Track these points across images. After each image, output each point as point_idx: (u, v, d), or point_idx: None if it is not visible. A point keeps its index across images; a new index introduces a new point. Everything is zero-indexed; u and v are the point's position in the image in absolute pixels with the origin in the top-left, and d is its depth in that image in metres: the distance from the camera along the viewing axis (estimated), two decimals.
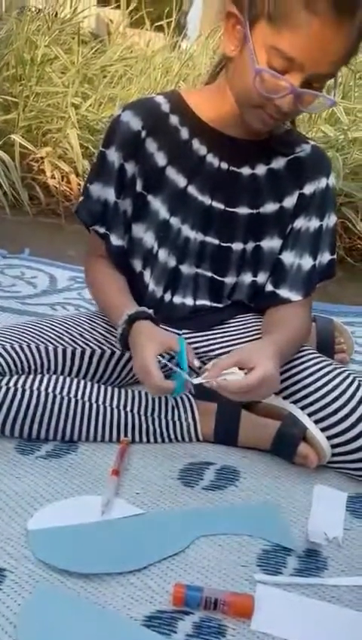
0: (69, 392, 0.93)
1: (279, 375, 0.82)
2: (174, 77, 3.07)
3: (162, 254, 1.00)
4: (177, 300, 1.04)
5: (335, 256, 1.03)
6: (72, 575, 0.70)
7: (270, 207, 1.00)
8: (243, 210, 0.99)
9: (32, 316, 1.43)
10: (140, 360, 0.84)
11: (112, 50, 3.30)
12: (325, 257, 1.02)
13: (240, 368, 0.82)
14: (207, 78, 1.01)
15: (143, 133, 0.94)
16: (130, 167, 0.96)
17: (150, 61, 3.31)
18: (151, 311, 0.93)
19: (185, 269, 1.02)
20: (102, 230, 1.00)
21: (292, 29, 0.77)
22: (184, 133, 0.96)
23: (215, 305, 1.05)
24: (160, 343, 0.86)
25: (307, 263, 1.01)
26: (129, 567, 0.72)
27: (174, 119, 0.96)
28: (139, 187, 0.97)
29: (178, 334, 1.06)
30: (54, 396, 0.92)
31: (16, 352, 0.95)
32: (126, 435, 0.95)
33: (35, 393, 0.91)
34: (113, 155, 0.96)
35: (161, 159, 0.96)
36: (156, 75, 3.16)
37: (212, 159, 0.97)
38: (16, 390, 0.91)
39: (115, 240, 1.00)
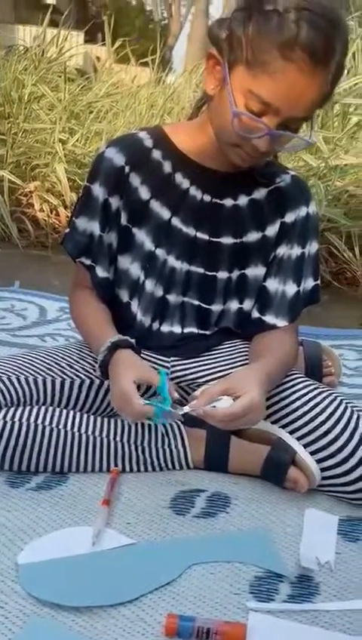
0: (58, 424, 0.93)
1: (265, 403, 0.83)
2: (159, 111, 3.15)
3: (149, 284, 1.02)
4: (165, 328, 1.05)
5: (318, 282, 1.05)
6: (62, 608, 0.69)
7: (253, 237, 1.02)
8: (227, 240, 1.01)
9: (22, 348, 1.44)
10: (118, 386, 0.86)
11: (98, 87, 3.39)
12: (309, 283, 1.04)
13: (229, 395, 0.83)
14: (190, 113, 1.04)
15: (127, 169, 0.97)
16: (115, 202, 0.98)
17: (135, 96, 3.40)
18: (133, 340, 0.94)
19: (172, 298, 1.03)
20: (88, 262, 1.01)
21: (268, 76, 0.80)
22: (167, 167, 0.98)
23: (202, 332, 1.06)
24: (138, 372, 0.87)
25: (291, 289, 1.03)
26: (120, 599, 0.71)
27: (157, 154, 0.98)
28: (124, 220, 1.00)
29: (166, 362, 1.07)
30: (43, 428, 0.92)
31: (5, 385, 0.95)
32: (116, 464, 0.95)
33: (25, 425, 0.92)
34: (98, 190, 0.98)
35: (144, 193, 0.98)
36: (141, 110, 3.24)
37: (195, 192, 0.99)
38: (5, 423, 0.91)
39: (101, 272, 1.02)
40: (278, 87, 0.80)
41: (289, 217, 1.01)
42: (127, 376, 0.86)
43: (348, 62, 2.52)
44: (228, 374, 1.05)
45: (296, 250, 1.02)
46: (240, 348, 1.09)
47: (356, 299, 2.18)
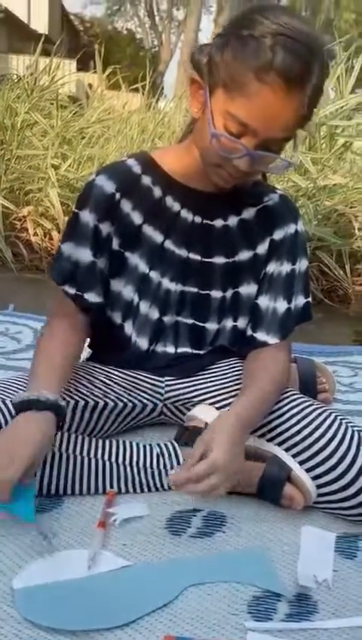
0: (52, 446, 0.93)
1: (233, 459, 0.80)
2: (150, 135, 3.20)
3: (143, 307, 1.03)
4: (159, 348, 1.06)
5: (310, 299, 1.06)
6: (59, 632, 0.68)
7: (244, 255, 1.04)
8: (219, 260, 1.03)
9: (17, 371, 1.44)
10: (14, 447, 0.76)
11: (90, 113, 3.45)
12: (300, 300, 1.05)
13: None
14: (181, 136, 1.07)
15: (118, 195, 0.98)
16: (105, 228, 0.98)
17: (127, 121, 3.45)
18: (62, 403, 0.85)
19: (168, 319, 1.04)
20: (72, 291, 0.99)
21: (245, 98, 0.82)
22: (157, 191, 1.00)
23: (196, 352, 1.07)
24: (40, 452, 0.78)
25: (281, 306, 1.04)
26: (117, 622, 0.70)
27: (146, 179, 1.00)
28: (115, 245, 1.00)
29: (160, 381, 1.08)
30: None
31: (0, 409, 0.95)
32: (112, 486, 0.95)
33: None
34: (87, 217, 0.98)
35: (136, 218, 1.00)
36: (133, 135, 3.29)
37: (186, 214, 1.01)
38: None
39: (94, 297, 1.00)
40: (254, 108, 0.82)
41: (278, 235, 1.03)
42: (28, 448, 0.76)
43: (334, 85, 2.59)
44: (222, 393, 1.06)
45: (286, 267, 1.03)
46: (234, 367, 1.09)
47: (348, 316, 2.20)
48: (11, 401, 0.86)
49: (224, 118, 0.85)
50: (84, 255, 0.99)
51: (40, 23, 12.88)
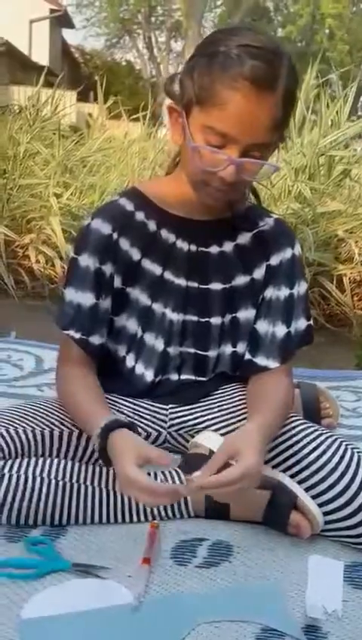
0: (56, 475, 0.92)
1: (261, 465, 0.82)
2: (150, 164, 3.24)
3: (149, 338, 1.03)
4: (163, 377, 1.06)
5: (311, 322, 1.06)
6: None
7: (241, 280, 1.04)
8: (216, 286, 1.03)
9: (19, 399, 1.44)
10: (124, 474, 0.81)
11: (91, 142, 3.50)
12: (301, 324, 1.04)
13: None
14: (168, 169, 1.08)
15: (115, 235, 0.99)
16: (108, 269, 1.00)
17: (127, 150, 3.51)
18: (126, 419, 0.91)
19: (172, 350, 1.04)
20: (77, 335, 0.99)
21: (219, 108, 0.84)
22: (151, 225, 1.01)
23: (199, 379, 1.07)
24: (137, 453, 0.83)
25: (280, 330, 1.03)
26: None
27: (140, 215, 1.01)
28: (117, 283, 1.01)
29: (164, 409, 1.07)
30: (41, 480, 0.91)
31: (4, 438, 0.94)
32: (116, 515, 0.94)
33: (23, 478, 0.90)
34: (87, 261, 0.99)
35: (135, 254, 1.01)
36: (133, 163, 3.34)
37: (181, 244, 1.02)
38: (3, 476, 0.90)
39: (97, 340, 1.01)
40: (228, 116, 0.84)
41: (275, 260, 1.03)
42: (128, 462, 0.81)
43: (333, 117, 2.65)
44: (225, 420, 1.06)
45: (284, 292, 1.03)
46: (237, 392, 1.09)
47: (350, 340, 2.20)
48: (97, 451, 0.89)
49: (203, 133, 0.87)
50: (86, 299, 0.99)
51: (41, 55, 13.20)
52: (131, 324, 1.03)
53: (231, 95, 0.83)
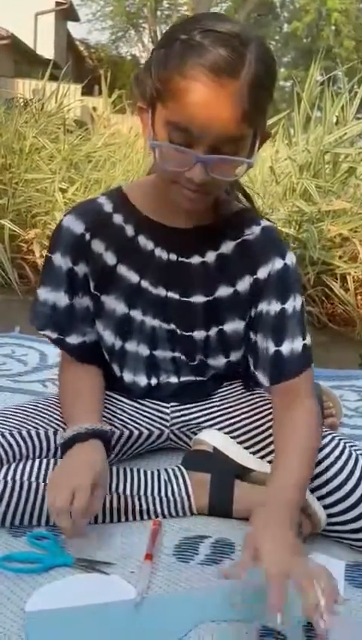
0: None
1: (286, 553, 0.70)
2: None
3: (130, 346, 1.01)
4: (162, 380, 1.05)
5: (307, 341, 0.94)
6: None
7: (224, 292, 0.97)
8: (198, 299, 0.97)
9: (23, 394, 1.44)
10: (74, 481, 0.81)
11: (97, 137, 3.50)
12: (297, 344, 0.92)
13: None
14: (149, 169, 1.03)
15: (87, 235, 0.94)
16: (81, 269, 0.96)
17: (132, 146, 3.50)
18: (102, 427, 0.91)
19: (160, 353, 1.02)
20: (53, 335, 0.98)
21: (176, 100, 0.76)
22: (129, 230, 0.95)
23: (200, 378, 1.06)
24: (94, 475, 0.83)
25: (270, 348, 0.93)
26: None
27: (118, 218, 0.95)
28: (92, 287, 0.97)
29: (166, 407, 1.07)
30: (45, 486, 0.89)
31: (7, 440, 0.94)
32: (119, 515, 0.94)
33: (26, 484, 0.90)
34: (59, 260, 0.95)
35: (110, 258, 0.96)
36: (139, 158, 3.34)
37: (160, 252, 0.95)
38: (6, 483, 0.90)
39: (75, 339, 0.99)
40: (189, 108, 0.75)
41: (263, 273, 0.93)
42: (86, 476, 0.82)
43: (338, 113, 2.63)
44: (228, 417, 1.05)
45: (275, 307, 0.93)
46: (239, 390, 1.09)
47: (353, 340, 2.20)
48: (57, 445, 0.90)
49: (166, 130, 0.79)
50: (60, 299, 0.96)
51: (46, 49, 13.15)
52: (107, 336, 1.00)
53: (189, 85, 0.75)
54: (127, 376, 1.03)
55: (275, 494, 0.80)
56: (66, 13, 15.13)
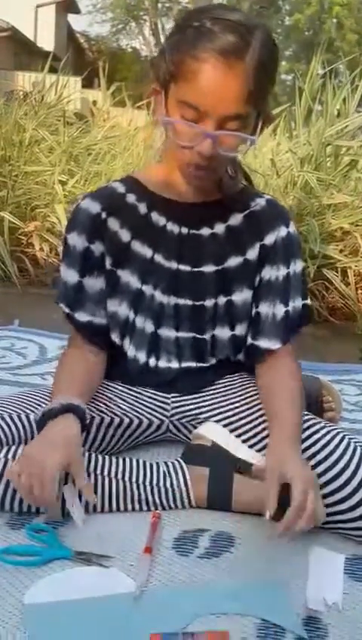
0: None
1: (309, 469, 0.84)
2: (156, 152, 3.22)
3: (139, 321, 1.04)
4: (162, 364, 1.06)
5: (308, 302, 1.05)
6: None
7: (234, 262, 1.03)
8: (209, 269, 1.03)
9: (23, 387, 1.44)
10: (41, 459, 0.82)
11: (97, 130, 3.48)
12: (298, 303, 1.03)
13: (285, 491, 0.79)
14: (160, 157, 1.06)
15: (103, 215, 1.00)
16: (97, 248, 1.01)
17: (132, 139, 3.49)
18: (77, 402, 0.91)
19: (165, 332, 1.04)
20: (66, 310, 1.04)
21: (188, 81, 0.85)
22: (142, 208, 1.02)
23: (201, 365, 1.07)
24: (67, 458, 0.84)
25: (280, 310, 1.02)
26: None
27: (131, 197, 1.02)
28: (108, 264, 1.02)
29: (167, 398, 1.07)
30: None
31: (7, 422, 0.95)
32: (118, 504, 0.94)
33: None
34: (75, 239, 1.01)
35: (125, 236, 1.02)
36: (138, 151, 3.32)
37: (172, 227, 1.02)
38: (6, 461, 0.90)
39: (83, 317, 1.03)
40: (199, 88, 0.84)
41: (269, 239, 1.02)
42: (55, 457, 0.83)
43: (340, 106, 2.62)
44: (228, 410, 1.05)
45: (282, 271, 1.03)
46: (240, 383, 1.09)
47: (354, 334, 2.19)
48: (37, 420, 0.92)
49: (178, 109, 0.87)
50: (72, 276, 1.02)
51: (46, 41, 13.09)
52: (123, 309, 1.04)
53: (200, 66, 0.84)
54: (131, 351, 1.05)
55: (277, 436, 0.89)
56: (67, 6, 15.05)
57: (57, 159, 2.88)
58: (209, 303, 1.03)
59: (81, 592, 0.77)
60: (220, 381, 1.09)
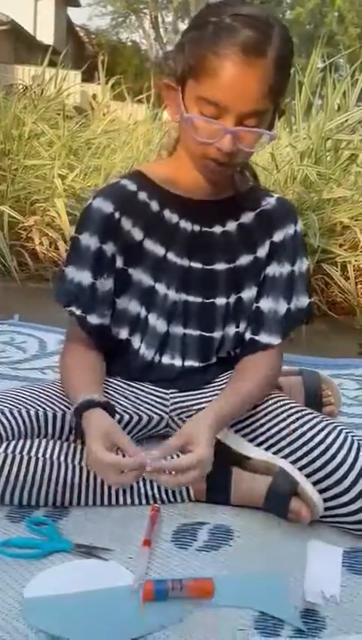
0: (59, 456, 0.93)
1: (212, 457, 0.84)
2: (156, 146, 3.22)
3: (152, 319, 1.03)
4: (166, 360, 1.06)
5: (311, 299, 1.06)
6: None
7: (245, 259, 1.04)
8: (220, 267, 1.03)
9: (22, 381, 1.44)
10: (93, 455, 0.84)
11: (96, 124, 3.47)
12: (302, 301, 1.05)
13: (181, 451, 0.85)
14: (169, 149, 1.06)
15: (117, 214, 0.99)
16: (109, 248, 1.00)
17: (132, 133, 3.48)
18: (99, 398, 0.92)
19: (174, 330, 1.04)
20: (78, 312, 1.01)
21: (210, 77, 0.85)
22: (154, 205, 1.01)
23: (202, 364, 1.07)
24: (104, 434, 0.86)
25: (282, 307, 1.04)
26: (125, 638, 0.70)
27: (142, 195, 1.00)
28: (119, 264, 1.01)
29: (166, 393, 1.08)
30: (44, 460, 0.92)
31: (7, 417, 0.95)
32: (117, 498, 0.95)
33: (25, 458, 0.91)
34: (88, 240, 0.99)
35: (137, 234, 1.01)
36: (138, 145, 3.32)
37: (184, 224, 1.01)
38: (6, 456, 0.91)
39: (95, 319, 1.01)
40: (220, 84, 0.84)
41: (278, 236, 1.03)
42: (95, 440, 0.84)
43: (340, 100, 2.61)
44: None
45: (286, 268, 1.04)
46: None
47: (353, 328, 2.20)
48: (73, 424, 0.94)
49: (197, 105, 0.87)
50: (85, 278, 1.00)
51: (46, 34, 13.03)
52: (133, 306, 1.03)
53: (221, 63, 0.83)
54: (142, 349, 1.05)
55: (213, 407, 0.93)
56: None
57: (57, 153, 2.87)
58: (220, 301, 1.04)
59: (80, 585, 0.77)
60: (217, 379, 1.09)
